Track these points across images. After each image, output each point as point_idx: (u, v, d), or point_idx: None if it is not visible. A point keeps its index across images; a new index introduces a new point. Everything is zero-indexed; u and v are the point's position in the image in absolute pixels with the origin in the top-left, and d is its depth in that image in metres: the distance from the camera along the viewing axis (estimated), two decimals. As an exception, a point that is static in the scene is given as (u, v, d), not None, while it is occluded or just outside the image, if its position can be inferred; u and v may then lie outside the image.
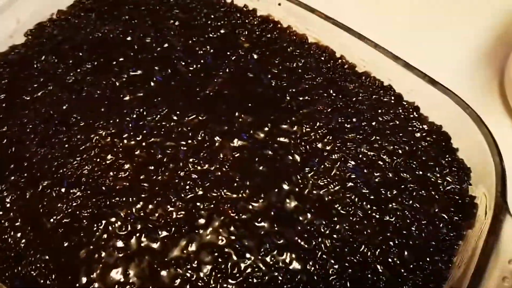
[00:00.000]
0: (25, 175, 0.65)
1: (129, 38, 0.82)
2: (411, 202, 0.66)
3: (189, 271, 0.59)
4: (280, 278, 0.59)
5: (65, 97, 0.73)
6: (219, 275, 0.59)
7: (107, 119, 0.71)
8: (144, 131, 0.70)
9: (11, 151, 0.67)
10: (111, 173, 0.66)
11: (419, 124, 0.74)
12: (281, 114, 0.74)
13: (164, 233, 0.61)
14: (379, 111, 0.76)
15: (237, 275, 0.59)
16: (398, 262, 0.61)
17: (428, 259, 0.61)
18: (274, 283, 0.59)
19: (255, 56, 0.80)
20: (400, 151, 0.71)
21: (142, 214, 0.63)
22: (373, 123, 0.74)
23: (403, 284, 0.60)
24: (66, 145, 0.68)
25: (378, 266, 0.61)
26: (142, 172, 0.67)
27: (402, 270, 0.61)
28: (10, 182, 0.64)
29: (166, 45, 0.81)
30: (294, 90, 0.77)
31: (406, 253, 0.62)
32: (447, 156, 0.71)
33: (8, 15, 0.77)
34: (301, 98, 0.76)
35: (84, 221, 0.62)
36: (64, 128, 0.70)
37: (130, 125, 0.71)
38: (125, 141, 0.69)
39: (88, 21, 0.84)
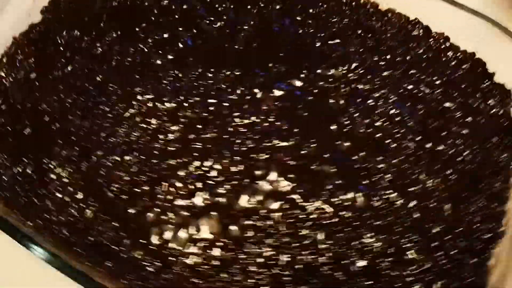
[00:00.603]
0: (76, 149, 0.63)
1: (146, 4, 0.78)
2: (458, 129, 0.67)
3: (259, 221, 0.59)
4: (348, 216, 0.60)
5: (96, 68, 0.70)
6: (288, 221, 0.59)
7: (144, 85, 0.69)
8: (184, 92, 0.68)
9: (55, 127, 0.65)
10: (161, 136, 0.65)
11: (452, 53, 0.74)
12: (314, 60, 0.73)
13: (227, 187, 0.61)
14: (410, 45, 0.75)
15: (306, 218, 0.59)
16: (458, 188, 0.62)
17: (488, 181, 0.62)
18: (343, 222, 0.59)
19: (277, 7, 0.78)
20: (438, 82, 0.71)
21: (200, 172, 0.62)
22: (407, 58, 0.73)
23: (467, 209, 0.61)
24: (109, 115, 0.66)
25: (442, 194, 0.61)
26: (191, 132, 0.65)
27: (464, 195, 0.62)
28: (63, 157, 0.62)
29: (185, 6, 0.78)
30: (322, 34, 0.75)
31: (464, 178, 0.63)
32: (485, 81, 0.71)
33: (23, -6, 0.73)
34: (331, 42, 0.75)
35: (145, 186, 0.61)
36: (103, 99, 0.67)
37: (168, 87, 0.69)
38: (167, 104, 0.67)
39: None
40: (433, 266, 0.56)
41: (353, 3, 0.79)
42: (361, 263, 0.57)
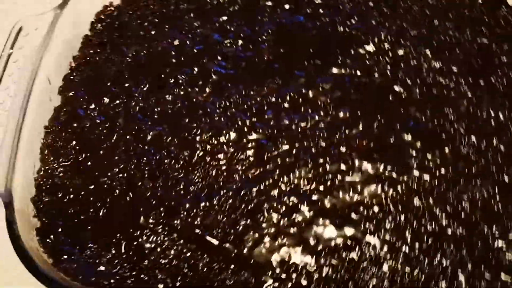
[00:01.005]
0: (161, 210, 0.61)
1: (159, 49, 0.76)
2: (502, 59, 0.68)
3: (370, 209, 0.58)
4: (444, 173, 0.60)
5: (142, 126, 0.68)
6: (396, 200, 0.59)
7: (197, 125, 0.67)
8: (238, 118, 0.67)
9: (130, 198, 0.62)
10: (238, 167, 0.63)
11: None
12: (343, 44, 0.73)
13: (321, 190, 0.60)
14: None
15: (411, 189, 0.59)
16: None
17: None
18: (444, 180, 0.60)
19: (287, 7, 0.78)
20: (463, 24, 0.73)
21: (291, 186, 0.61)
22: (426, 11, 0.74)
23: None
24: (177, 166, 0.64)
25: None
26: (263, 152, 0.64)
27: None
28: (152, 224, 0.60)
29: (198, 38, 0.76)
30: (340, 18, 0.75)
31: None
32: (502, 7, 0.73)
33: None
34: (350, 23, 0.75)
35: (245, 220, 0.59)
36: (164, 153, 0.65)
37: (222, 119, 0.67)
38: (228, 135, 0.66)
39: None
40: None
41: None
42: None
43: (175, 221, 0.60)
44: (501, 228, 0.56)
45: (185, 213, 0.60)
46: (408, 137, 0.63)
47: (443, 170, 0.60)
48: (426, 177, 0.60)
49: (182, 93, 0.70)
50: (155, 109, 0.69)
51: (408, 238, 0.57)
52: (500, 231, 0.56)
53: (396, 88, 0.67)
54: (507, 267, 0.54)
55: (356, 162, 0.62)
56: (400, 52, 0.71)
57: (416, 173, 0.60)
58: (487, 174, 0.60)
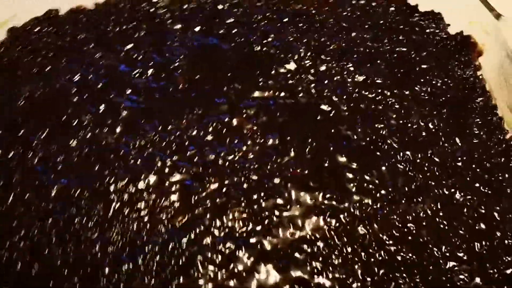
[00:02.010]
0: (76, 280, 0.48)
1: (57, 86, 0.63)
2: (422, 66, 0.65)
3: (314, 245, 0.51)
4: (387, 192, 0.54)
5: (45, 182, 0.55)
6: (341, 233, 0.52)
7: (111, 172, 0.55)
8: (156, 159, 0.56)
9: (36, 269, 0.49)
10: (163, 216, 0.52)
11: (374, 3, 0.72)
12: (262, 65, 0.65)
13: (259, 230, 0.51)
14: (338, 11, 0.71)
15: (353, 215, 0.53)
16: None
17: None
18: (387, 199, 0.54)
19: (197, 29, 0.69)
20: (380, 33, 0.69)
21: (226, 232, 0.52)
22: (343, 24, 0.69)
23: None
24: (90, 224, 0.51)
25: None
26: (190, 195, 0.54)
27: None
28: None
29: (102, 71, 0.65)
30: (254, 37, 0.68)
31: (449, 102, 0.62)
32: (414, 14, 0.71)
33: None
34: (267, 41, 0.67)
35: (177, 278, 0.48)
36: (73, 210, 0.52)
37: (137, 162, 0.56)
38: (147, 179, 0.55)
39: None
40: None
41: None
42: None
43: (93, 292, 0.48)
44: (450, 246, 0.52)
45: (105, 280, 0.48)
46: (343, 159, 0.57)
47: (383, 191, 0.55)
48: (368, 200, 0.54)
49: (88, 136, 0.58)
50: (58, 159, 0.56)
51: (359, 273, 0.50)
52: (450, 250, 0.51)
53: (323, 106, 0.61)
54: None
55: (293, 193, 0.54)
56: (322, 68, 0.65)
57: (356, 197, 0.54)
58: (427, 189, 0.55)
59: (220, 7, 0.70)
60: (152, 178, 0.55)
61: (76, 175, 0.55)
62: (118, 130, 0.58)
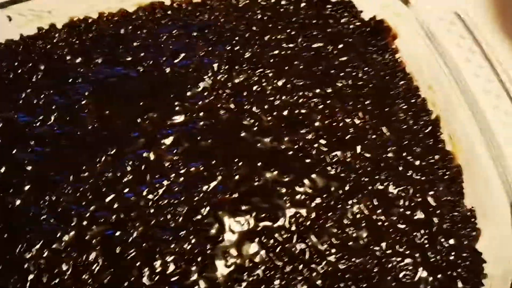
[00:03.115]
0: None
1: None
2: (343, 59, 0.64)
3: (254, 272, 0.48)
4: (321, 202, 0.53)
5: None
6: (280, 252, 0.50)
7: (24, 239, 0.51)
8: (72, 213, 0.52)
9: None
10: (85, 277, 0.48)
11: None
12: (176, 86, 0.61)
13: (195, 269, 0.49)
14: (248, 16, 0.69)
15: (290, 233, 0.51)
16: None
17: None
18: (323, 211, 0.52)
19: (99, 60, 0.64)
20: (293, 32, 0.67)
21: (158, 279, 0.48)
22: (253, 28, 0.67)
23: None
24: None
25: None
26: (113, 247, 0.50)
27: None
28: None
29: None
30: (164, 58, 0.64)
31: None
32: (327, 6, 0.69)
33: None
34: (176, 61, 0.64)
35: None
36: None
37: (51, 220, 0.52)
38: (64, 239, 0.51)
39: None
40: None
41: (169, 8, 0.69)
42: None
43: None
44: (390, 243, 0.51)
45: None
46: (273, 174, 0.55)
47: (317, 199, 0.53)
48: (302, 212, 0.52)
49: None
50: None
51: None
52: (391, 246, 0.51)
53: (245, 121, 0.59)
54: (408, 285, 0.49)
55: (225, 222, 0.52)
56: (239, 79, 0.62)
57: (290, 211, 0.52)
58: (361, 187, 0.54)
59: (122, 31, 0.66)
60: (70, 236, 0.51)
61: (-16, 248, 0.50)
62: (25, 189, 0.53)
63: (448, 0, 0.61)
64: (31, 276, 0.48)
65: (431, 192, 0.54)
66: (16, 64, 0.64)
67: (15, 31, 0.65)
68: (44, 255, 0.50)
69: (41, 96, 0.60)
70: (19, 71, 0.63)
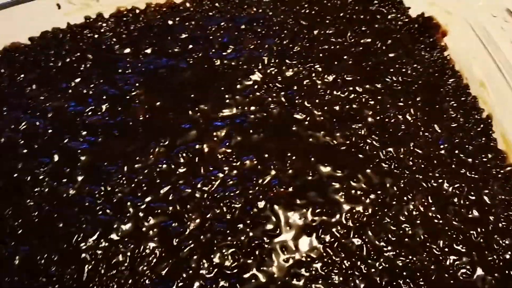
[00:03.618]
0: None
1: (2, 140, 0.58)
2: (389, 54, 0.64)
3: (311, 267, 0.48)
4: (377, 196, 0.53)
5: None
6: (337, 247, 0.50)
7: (79, 228, 0.51)
8: (127, 204, 0.52)
9: None
10: (144, 267, 0.48)
11: None
12: (227, 79, 0.61)
13: (253, 270, 0.49)
14: (294, 9, 0.68)
15: (347, 228, 0.51)
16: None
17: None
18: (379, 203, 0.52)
19: (149, 51, 0.64)
20: (342, 27, 0.67)
21: (216, 271, 0.48)
22: (301, 22, 0.67)
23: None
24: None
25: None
26: (171, 237, 0.50)
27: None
28: None
29: (50, 114, 0.59)
30: (214, 50, 0.64)
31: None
32: (373, 2, 0.69)
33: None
34: (227, 52, 0.64)
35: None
36: (42, 279, 0.48)
37: (107, 210, 0.52)
38: (121, 230, 0.51)
39: None
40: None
41: (210, 5, 0.69)
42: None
43: None
44: (447, 240, 0.51)
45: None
46: (326, 169, 0.55)
47: (372, 195, 0.53)
48: (358, 208, 0.52)
49: (46, 190, 0.53)
50: (15, 224, 0.51)
51: (361, 287, 0.48)
52: (448, 244, 0.51)
53: (297, 115, 0.59)
54: (465, 284, 0.49)
55: (281, 216, 0.52)
56: (289, 73, 0.62)
57: (346, 207, 0.52)
58: (415, 184, 0.54)
59: (170, 22, 0.66)
60: (126, 227, 0.51)
61: (38, 239, 0.50)
62: (78, 179, 0.53)
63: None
64: (88, 267, 0.48)
65: (486, 191, 0.54)
66: (63, 52, 0.64)
67: (62, 19, 0.65)
68: (101, 246, 0.50)
69: (91, 86, 0.60)
70: (67, 60, 0.63)
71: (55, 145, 0.56)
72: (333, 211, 0.52)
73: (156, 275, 0.48)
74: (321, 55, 0.63)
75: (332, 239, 0.50)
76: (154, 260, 0.49)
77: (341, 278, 0.48)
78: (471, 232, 0.51)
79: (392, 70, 0.63)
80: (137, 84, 0.60)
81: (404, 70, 0.63)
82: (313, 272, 0.48)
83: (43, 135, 0.57)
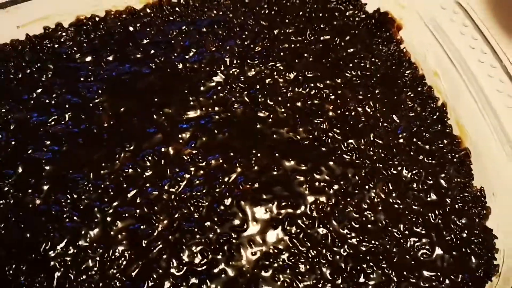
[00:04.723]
0: None
1: None
2: (351, 50, 0.69)
3: (279, 258, 0.52)
4: (339, 188, 0.56)
5: None
6: (303, 239, 0.53)
7: (47, 237, 0.52)
8: (95, 209, 0.54)
9: None
10: (113, 271, 0.51)
11: None
12: (190, 82, 0.64)
13: (221, 259, 0.52)
14: (254, 11, 0.72)
15: (312, 220, 0.54)
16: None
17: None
18: (341, 195, 0.56)
19: (110, 58, 0.67)
20: (301, 26, 0.71)
21: (186, 269, 0.51)
22: (262, 23, 0.70)
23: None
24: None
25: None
26: (139, 240, 0.52)
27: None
28: None
29: (12, 127, 0.61)
30: (175, 54, 0.67)
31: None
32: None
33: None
34: (189, 56, 0.67)
35: None
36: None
37: (75, 218, 0.54)
38: (89, 236, 0.53)
39: None
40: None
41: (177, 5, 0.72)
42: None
43: None
44: (407, 224, 0.55)
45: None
46: (291, 163, 0.58)
47: (335, 186, 0.57)
48: (322, 198, 0.56)
49: (12, 202, 0.55)
50: (-17, 239, 0.53)
51: (328, 274, 0.51)
52: (408, 227, 0.55)
53: (260, 113, 0.62)
54: (426, 263, 0.53)
55: (248, 211, 0.55)
56: (251, 73, 0.65)
57: (310, 199, 0.56)
58: (376, 173, 0.58)
59: (131, 29, 0.69)
60: (94, 233, 0.53)
61: (6, 249, 0.52)
62: (44, 188, 0.55)
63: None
64: (57, 274, 0.50)
65: (442, 175, 0.58)
66: (23, 64, 0.65)
67: (20, 31, 0.67)
68: (70, 252, 0.52)
69: (53, 96, 0.62)
70: (28, 71, 0.65)
71: (19, 157, 0.58)
72: (298, 203, 0.55)
73: (127, 277, 0.51)
74: (282, 53, 0.67)
75: (298, 230, 0.54)
76: (124, 263, 0.51)
77: (307, 267, 0.52)
78: (430, 214, 0.56)
79: (351, 65, 0.67)
80: (100, 91, 0.62)
81: (362, 64, 0.67)
82: (281, 263, 0.52)
83: (6, 148, 0.58)
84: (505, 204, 0.56)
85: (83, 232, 0.53)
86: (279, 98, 0.63)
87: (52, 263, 0.51)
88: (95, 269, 0.51)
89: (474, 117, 0.60)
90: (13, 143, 0.59)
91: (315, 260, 0.52)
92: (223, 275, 0.51)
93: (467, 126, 0.61)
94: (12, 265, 0.51)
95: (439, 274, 0.52)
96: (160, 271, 0.51)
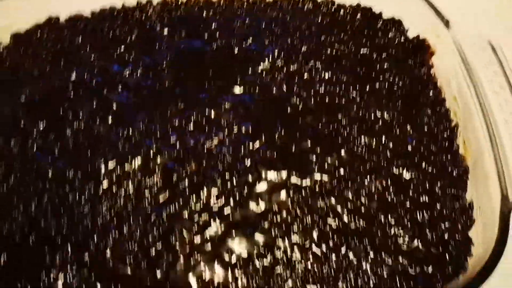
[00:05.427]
0: (68, 247, 0.60)
1: (56, 85, 0.77)
2: (382, 65, 0.79)
3: (278, 215, 0.63)
4: (344, 174, 0.67)
5: (38, 166, 0.67)
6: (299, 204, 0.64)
7: (101, 156, 0.68)
8: (142, 144, 0.69)
9: (33, 239, 0.61)
10: (146, 194, 0.65)
11: (342, 11, 0.86)
12: (241, 64, 0.79)
13: (232, 205, 0.64)
14: (310, 17, 0.86)
15: (313, 192, 0.65)
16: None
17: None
18: (343, 180, 0.67)
19: (183, 34, 0.83)
20: (346, 37, 0.83)
21: (202, 205, 0.64)
22: (313, 28, 0.84)
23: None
24: (82, 201, 0.64)
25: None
26: (171, 175, 0.66)
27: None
28: (61, 262, 0.59)
29: (96, 71, 0.78)
30: (235, 40, 0.82)
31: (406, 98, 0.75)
32: (378, 21, 0.85)
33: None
34: (245, 44, 0.81)
35: (157, 245, 0.61)
36: (66, 189, 0.65)
37: (125, 147, 0.69)
38: (133, 162, 0.67)
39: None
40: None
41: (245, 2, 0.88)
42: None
43: (84, 257, 0.60)
44: (395, 216, 0.64)
45: (94, 247, 0.60)
46: (308, 144, 0.70)
47: (341, 171, 0.67)
48: (327, 178, 0.67)
49: (82, 126, 0.71)
50: (55, 146, 0.69)
51: (315, 238, 0.62)
52: (395, 219, 0.64)
53: (293, 100, 0.74)
54: (404, 251, 0.61)
55: (262, 173, 0.67)
56: (293, 67, 0.78)
57: (317, 176, 0.67)
58: (379, 169, 0.68)
59: (204, 14, 0.85)
60: (138, 162, 0.67)
61: (70, 159, 0.68)
62: (109, 121, 0.71)
63: (483, 27, 0.74)
64: (103, 184, 0.65)
65: (439, 184, 0.66)
66: (115, 26, 0.83)
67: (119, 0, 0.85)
68: (116, 172, 0.66)
69: (132, 54, 0.79)
70: (117, 32, 0.82)
71: (96, 94, 0.74)
72: (305, 177, 0.66)
73: (155, 201, 0.64)
74: (323, 56, 0.79)
75: (300, 198, 0.65)
76: (155, 190, 0.65)
77: (300, 228, 0.62)
78: (418, 212, 0.64)
79: (381, 78, 0.77)
80: (168, 58, 0.79)
81: (392, 79, 0.77)
82: (279, 220, 0.63)
83: (88, 86, 0.76)
84: (487, 218, 0.62)
85: (129, 159, 0.67)
86: (311, 92, 0.75)
87: (102, 176, 0.66)
88: (132, 189, 0.65)
89: (480, 141, 0.67)
90: (94, 83, 0.76)
91: (308, 224, 0.63)
92: (230, 218, 0.63)
93: (472, 147, 0.69)
94: (71, 171, 0.66)
95: (413, 263, 0.60)
96: (182, 203, 0.64)
